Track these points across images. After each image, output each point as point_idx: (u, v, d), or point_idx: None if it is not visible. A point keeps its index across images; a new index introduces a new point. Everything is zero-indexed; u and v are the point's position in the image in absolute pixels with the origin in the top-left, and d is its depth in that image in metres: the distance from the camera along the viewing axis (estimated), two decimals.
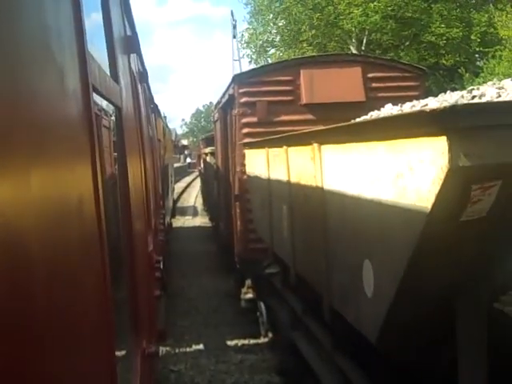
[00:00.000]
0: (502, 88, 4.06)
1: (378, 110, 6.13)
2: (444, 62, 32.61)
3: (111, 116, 2.88)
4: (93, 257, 1.56)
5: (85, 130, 1.56)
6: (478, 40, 32.02)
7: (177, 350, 9.48)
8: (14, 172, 0.94)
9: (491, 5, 31.49)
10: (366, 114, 6.22)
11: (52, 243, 1.14)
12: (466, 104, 3.25)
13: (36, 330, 1.01)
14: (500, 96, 3.91)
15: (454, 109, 2.65)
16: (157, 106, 14.26)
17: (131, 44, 4.07)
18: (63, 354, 1.19)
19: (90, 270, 1.52)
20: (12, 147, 0.94)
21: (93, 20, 2.47)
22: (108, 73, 2.51)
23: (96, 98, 1.99)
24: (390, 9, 32.06)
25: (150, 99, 9.93)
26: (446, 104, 3.34)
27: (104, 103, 2.51)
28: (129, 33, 4.18)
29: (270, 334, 9.48)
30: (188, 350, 9.56)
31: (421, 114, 2.84)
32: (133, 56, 4.48)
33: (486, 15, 31.50)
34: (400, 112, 4.96)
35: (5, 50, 0.95)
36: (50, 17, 1.29)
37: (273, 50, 40.30)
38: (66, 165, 1.34)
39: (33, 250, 1.01)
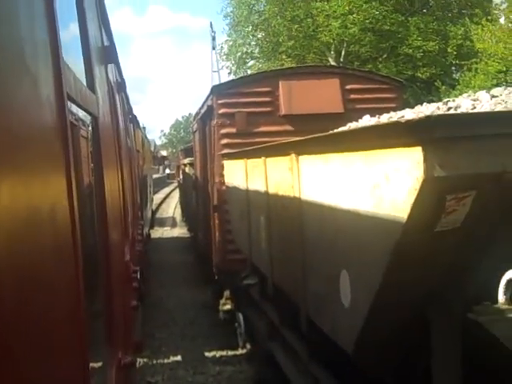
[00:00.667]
0: (477, 100, 4.12)
1: (356, 121, 6.19)
2: (420, 74, 32.92)
3: (88, 126, 2.86)
4: (66, 265, 1.54)
5: (59, 139, 1.55)
6: (454, 53, 32.42)
7: (154, 362, 9.41)
8: None
9: (467, 18, 31.87)
10: (345, 125, 6.27)
11: (23, 252, 1.13)
12: (440, 115, 3.29)
13: (5, 341, 0.99)
14: (475, 108, 3.97)
15: (429, 120, 2.68)
16: (135, 116, 14.23)
17: (108, 54, 4.06)
18: (33, 365, 1.18)
19: (62, 279, 1.50)
20: None
21: (69, 30, 2.47)
22: (84, 82, 2.50)
23: (72, 107, 1.98)
24: (368, 21, 32.34)
25: (128, 109, 9.90)
26: (421, 115, 3.37)
27: (80, 112, 2.50)
28: (106, 43, 4.17)
29: (248, 345, 9.45)
30: (165, 361, 9.50)
31: (397, 125, 2.87)
32: (110, 66, 4.47)
33: (462, 28, 31.88)
34: (377, 123, 5.00)
35: None
36: (23, 26, 1.28)
37: (252, 62, 40.46)
38: (40, 173, 1.33)
39: (2, 258, 1.00)
